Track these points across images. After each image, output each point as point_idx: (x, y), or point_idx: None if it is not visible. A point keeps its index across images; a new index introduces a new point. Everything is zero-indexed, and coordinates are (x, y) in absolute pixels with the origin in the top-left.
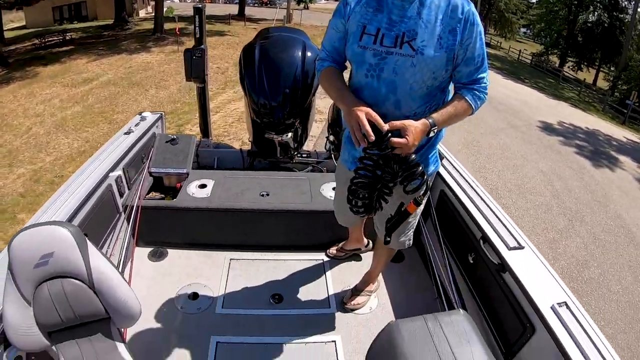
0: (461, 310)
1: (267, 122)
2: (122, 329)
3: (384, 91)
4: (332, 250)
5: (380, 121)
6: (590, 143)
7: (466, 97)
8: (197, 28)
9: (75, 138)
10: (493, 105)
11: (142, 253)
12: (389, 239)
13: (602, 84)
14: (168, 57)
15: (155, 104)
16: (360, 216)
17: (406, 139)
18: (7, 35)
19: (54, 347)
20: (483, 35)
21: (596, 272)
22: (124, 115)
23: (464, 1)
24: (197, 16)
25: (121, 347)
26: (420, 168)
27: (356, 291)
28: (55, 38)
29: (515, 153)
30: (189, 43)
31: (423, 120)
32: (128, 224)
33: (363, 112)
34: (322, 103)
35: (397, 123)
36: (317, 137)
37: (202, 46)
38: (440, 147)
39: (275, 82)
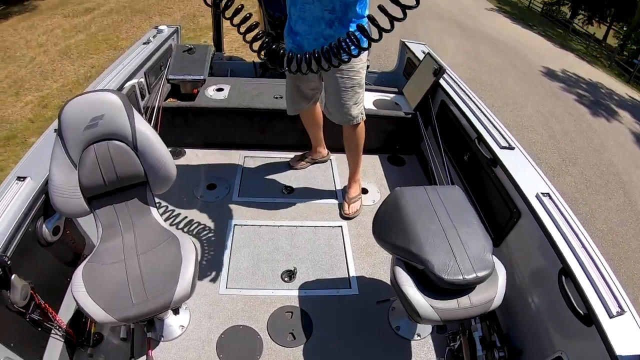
0: (455, 185)
1: (281, 33)
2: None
3: None
4: (295, 163)
5: None
6: (592, 94)
7: None
8: None
9: (81, 65)
10: (498, 47)
11: None
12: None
13: (612, 41)
14: None
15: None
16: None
17: None
18: None
19: (91, 215)
20: None
21: (584, 209)
22: (129, 42)
23: None
24: None
25: (154, 211)
26: None
27: (349, 199)
28: None
29: (516, 93)
30: None
31: None
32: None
33: None
34: None
35: None
36: None
37: None
38: (442, 63)
39: None
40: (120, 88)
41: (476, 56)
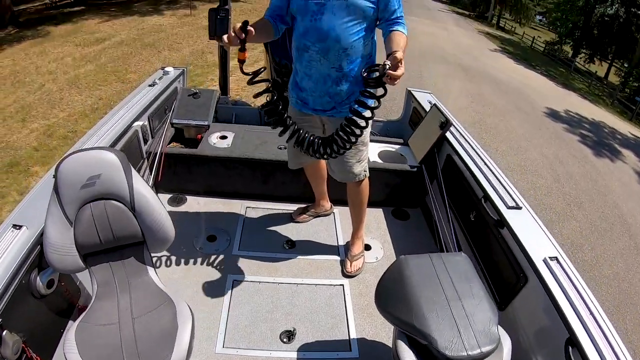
0: (462, 253)
1: (287, 81)
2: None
3: (326, 29)
4: (298, 215)
5: None
6: (595, 134)
7: (400, 30)
8: None
9: (89, 95)
10: (502, 89)
11: (162, 199)
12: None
13: (614, 78)
14: (180, 21)
15: (168, 65)
16: (310, 154)
17: (401, 69)
18: None
19: (87, 272)
20: None
21: (590, 255)
22: (137, 75)
23: None
24: None
25: (151, 271)
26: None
27: (351, 257)
28: None
29: (520, 136)
30: (202, 8)
31: (399, 52)
32: (150, 170)
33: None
34: None
35: (399, 55)
36: None
37: (227, 6)
38: (450, 116)
39: None
40: (124, 132)
41: (480, 98)
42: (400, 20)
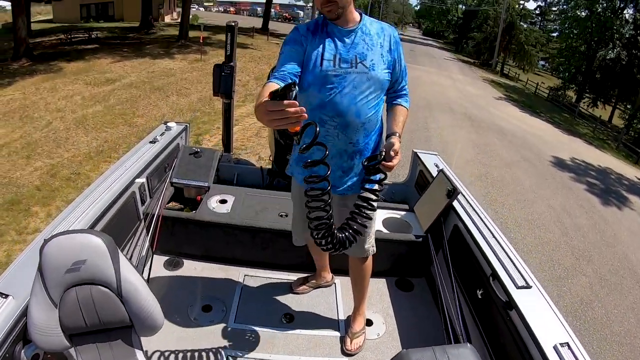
0: (468, 344)
1: (291, 144)
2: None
3: (346, 103)
4: (298, 286)
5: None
6: (602, 181)
7: (403, 104)
8: (227, 45)
9: (95, 137)
10: (508, 138)
11: (158, 261)
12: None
13: (618, 121)
14: (191, 65)
15: (176, 110)
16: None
17: (397, 159)
18: (34, 27)
19: (73, 350)
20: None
21: (600, 312)
22: (144, 120)
23: (391, 28)
24: (229, 33)
25: (140, 355)
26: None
27: (352, 334)
28: (81, 35)
29: (527, 188)
30: (212, 53)
31: (396, 138)
32: (147, 232)
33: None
34: None
35: (396, 147)
36: None
37: (232, 63)
38: (457, 182)
39: None
40: (121, 193)
41: (486, 149)
42: (404, 92)
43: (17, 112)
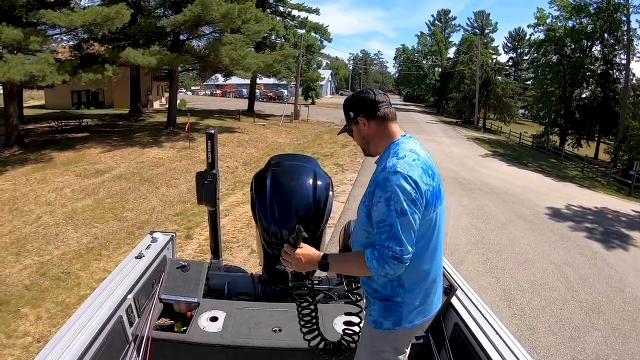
0: None
1: (279, 253)
2: None
3: (354, 231)
4: None
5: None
6: (600, 223)
7: (366, 252)
8: (209, 152)
9: (85, 233)
10: (500, 197)
11: None
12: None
13: (604, 156)
14: (179, 154)
15: (165, 202)
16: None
17: (288, 259)
18: (26, 112)
19: None
20: (392, 204)
21: None
22: (134, 214)
23: (390, 168)
24: (209, 141)
25: None
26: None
27: None
28: (72, 123)
29: (525, 247)
30: (200, 140)
31: (318, 252)
32: (138, 354)
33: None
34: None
35: (287, 250)
36: None
37: (214, 171)
38: (456, 275)
39: (287, 212)
40: (108, 319)
41: (480, 213)
42: (379, 248)
43: (6, 204)
